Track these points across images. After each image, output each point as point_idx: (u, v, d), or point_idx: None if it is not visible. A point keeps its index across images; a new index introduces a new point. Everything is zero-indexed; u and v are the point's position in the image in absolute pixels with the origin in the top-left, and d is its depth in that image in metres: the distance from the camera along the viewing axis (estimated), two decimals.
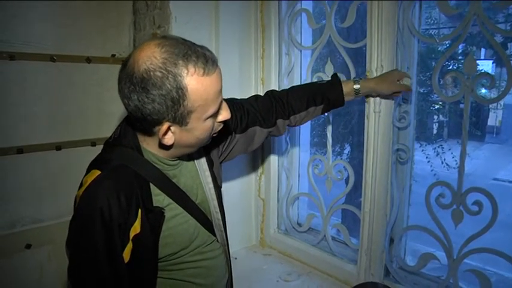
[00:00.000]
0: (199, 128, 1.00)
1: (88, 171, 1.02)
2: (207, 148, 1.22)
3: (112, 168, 1.00)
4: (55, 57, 1.78)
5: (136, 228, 0.99)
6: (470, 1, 1.26)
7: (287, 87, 1.91)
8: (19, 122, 1.73)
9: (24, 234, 1.78)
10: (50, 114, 1.82)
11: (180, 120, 0.95)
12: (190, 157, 1.19)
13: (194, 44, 0.96)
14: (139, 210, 0.99)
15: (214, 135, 1.10)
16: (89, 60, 1.89)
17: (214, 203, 1.22)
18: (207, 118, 0.99)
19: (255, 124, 1.39)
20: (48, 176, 1.83)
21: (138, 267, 1.03)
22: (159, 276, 1.10)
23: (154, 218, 1.03)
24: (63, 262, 1.88)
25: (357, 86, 1.42)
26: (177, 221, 1.09)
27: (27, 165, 1.77)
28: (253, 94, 1.98)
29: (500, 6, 1.37)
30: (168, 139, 0.99)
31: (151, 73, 0.89)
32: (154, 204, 1.04)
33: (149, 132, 1.00)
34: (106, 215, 0.93)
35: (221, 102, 1.03)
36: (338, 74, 1.48)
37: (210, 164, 1.23)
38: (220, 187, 1.30)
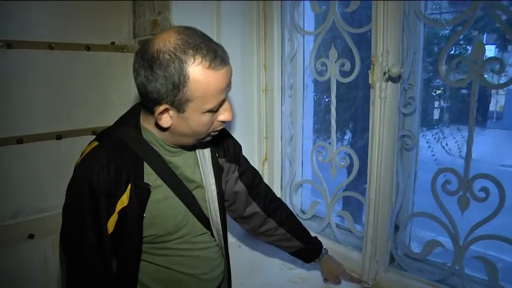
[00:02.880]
0: (195, 120, 1.02)
1: (91, 142, 1.08)
2: (215, 153, 1.25)
3: (109, 141, 1.06)
4: (53, 45, 1.75)
5: (123, 201, 1.02)
6: None
7: (290, 73, 1.90)
8: (18, 112, 1.70)
9: (27, 225, 1.77)
10: (49, 103, 1.79)
11: (178, 105, 0.98)
12: (194, 151, 1.20)
13: (211, 40, 0.99)
14: (129, 185, 1.03)
15: (214, 133, 1.11)
16: (88, 48, 1.86)
17: (215, 205, 1.23)
18: (205, 112, 1.01)
19: (255, 199, 1.42)
20: (50, 166, 1.81)
21: (122, 241, 1.06)
22: (143, 259, 1.13)
23: (141, 194, 1.06)
24: None
25: (321, 256, 1.56)
26: (166, 204, 1.11)
27: (28, 155, 1.75)
28: (255, 80, 1.98)
29: None
30: (165, 121, 1.01)
31: (161, 54, 0.93)
32: (144, 181, 1.07)
33: (150, 110, 1.03)
34: (94, 182, 0.98)
35: (224, 101, 1.04)
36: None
37: (218, 170, 1.26)
38: (224, 191, 1.32)
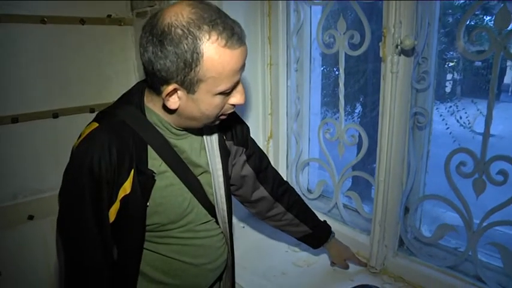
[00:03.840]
0: (206, 102, 0.94)
1: (90, 122, 1.00)
2: (222, 136, 1.18)
3: (111, 123, 0.98)
4: (46, 19, 1.67)
5: (126, 189, 0.96)
6: None
7: (296, 46, 1.79)
8: (11, 89, 1.64)
9: (26, 206, 1.75)
10: (44, 81, 1.72)
11: (188, 86, 0.91)
12: (200, 134, 1.13)
13: (227, 16, 0.91)
14: (132, 171, 0.95)
15: (223, 117, 1.04)
16: (82, 21, 1.77)
17: (221, 192, 1.17)
18: (217, 94, 0.93)
19: (263, 183, 1.38)
20: (47, 145, 1.77)
21: (124, 231, 1.00)
22: (145, 248, 1.07)
23: (145, 181, 0.99)
24: None
25: (329, 240, 1.53)
26: (171, 191, 1.05)
27: (24, 135, 1.70)
28: (259, 54, 1.88)
29: None
30: (172, 103, 0.94)
31: (173, 29, 0.85)
32: (148, 167, 1.00)
33: (156, 90, 0.96)
34: (95, 169, 0.91)
35: (237, 83, 0.97)
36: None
37: (225, 154, 1.18)
38: (230, 176, 1.25)
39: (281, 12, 1.78)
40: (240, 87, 0.98)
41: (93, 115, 1.79)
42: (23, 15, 1.61)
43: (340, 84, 1.63)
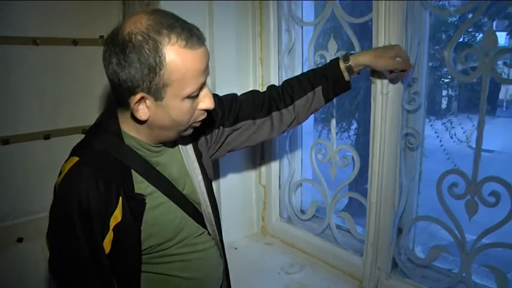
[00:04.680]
0: (175, 107, 0.93)
1: (68, 158, 0.98)
2: (194, 139, 1.16)
3: (91, 154, 0.97)
4: (38, 40, 1.66)
5: (117, 217, 0.95)
6: None
7: (287, 66, 1.80)
8: (3, 111, 1.63)
9: (16, 228, 1.71)
10: (36, 102, 1.71)
11: (155, 92, 0.90)
12: (175, 145, 1.12)
13: (185, 21, 0.92)
14: (120, 198, 0.94)
15: (196, 124, 1.03)
16: (75, 42, 1.77)
17: (204, 196, 1.16)
18: (185, 98, 0.93)
19: (247, 118, 1.29)
20: (38, 167, 1.74)
21: (121, 259, 0.98)
22: (144, 271, 1.05)
23: (136, 206, 0.98)
24: None
25: (346, 64, 1.25)
26: (161, 210, 1.04)
27: (15, 156, 1.68)
28: (251, 74, 1.88)
29: None
30: (142, 113, 0.93)
31: (133, 36, 0.86)
32: (136, 191, 0.98)
33: (125, 104, 0.94)
34: (84, 203, 0.89)
35: (203, 86, 0.97)
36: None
37: (199, 156, 1.17)
38: (211, 180, 1.22)
39: (272, 33, 1.80)
40: (206, 91, 0.98)
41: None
42: (15, 37, 1.61)
43: (332, 106, 1.63)
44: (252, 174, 1.98)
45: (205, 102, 0.98)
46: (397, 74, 1.30)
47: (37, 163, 1.74)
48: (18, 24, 1.62)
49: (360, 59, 1.26)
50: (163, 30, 0.86)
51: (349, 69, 1.26)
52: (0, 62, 1.60)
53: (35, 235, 1.72)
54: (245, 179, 1.97)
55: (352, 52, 1.34)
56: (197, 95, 0.96)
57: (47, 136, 1.75)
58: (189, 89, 0.92)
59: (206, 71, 0.95)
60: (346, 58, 1.26)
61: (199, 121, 1.03)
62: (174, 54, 0.87)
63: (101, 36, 1.84)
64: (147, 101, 0.92)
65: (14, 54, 1.62)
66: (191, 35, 0.89)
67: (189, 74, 0.90)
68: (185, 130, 1.02)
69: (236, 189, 1.92)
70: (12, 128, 1.67)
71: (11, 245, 1.70)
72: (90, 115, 1.83)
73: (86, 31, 1.80)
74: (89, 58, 1.81)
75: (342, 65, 1.26)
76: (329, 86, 1.28)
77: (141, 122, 0.96)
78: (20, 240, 1.72)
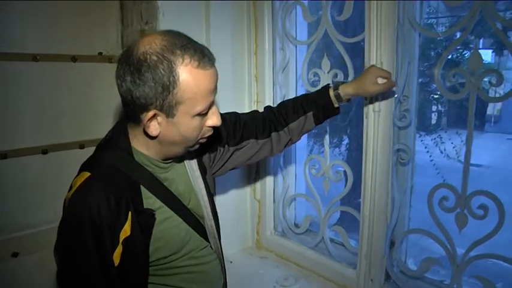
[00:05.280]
0: (185, 124, 0.98)
1: (78, 173, 1.01)
2: (199, 156, 1.21)
3: (102, 170, 1.00)
4: (38, 57, 1.69)
5: (126, 231, 0.97)
6: None
7: (281, 83, 1.85)
8: (1, 125, 1.64)
9: (11, 242, 1.71)
10: (35, 117, 1.73)
11: (167, 110, 0.94)
12: (182, 161, 1.17)
13: (196, 42, 0.97)
14: (130, 213, 0.97)
15: (202, 140, 1.08)
16: (74, 59, 1.80)
17: (207, 210, 1.20)
18: (195, 115, 0.97)
19: (250, 137, 1.35)
20: (35, 182, 1.75)
21: (129, 271, 1.00)
22: (151, 282, 1.07)
23: (145, 220, 1.01)
24: (54, 270, 1.81)
25: (336, 93, 1.32)
26: (168, 224, 1.07)
27: (12, 171, 1.69)
28: (246, 92, 1.93)
29: None
30: (153, 129, 0.97)
31: (148, 56, 0.90)
32: (144, 207, 1.02)
33: (136, 120, 0.98)
34: (95, 217, 0.92)
35: (212, 104, 1.01)
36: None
37: (203, 172, 1.22)
38: (213, 195, 1.27)
39: (267, 51, 1.85)
40: (214, 109, 1.03)
41: (83, 151, 1.83)
42: (16, 53, 1.64)
43: (325, 122, 1.67)
44: (247, 189, 2.01)
45: (213, 120, 1.03)
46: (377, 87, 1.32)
47: (35, 177, 1.74)
48: (19, 41, 1.65)
49: (347, 90, 1.33)
50: (177, 51, 0.91)
51: (338, 97, 1.33)
52: (0, 78, 1.62)
53: (31, 250, 1.73)
54: (240, 194, 2.00)
55: (343, 81, 1.44)
56: (206, 113, 1.00)
57: (44, 151, 1.76)
58: (200, 107, 0.96)
59: (215, 90, 1.00)
60: (336, 87, 1.34)
61: (206, 137, 1.07)
62: (187, 74, 0.91)
63: (100, 53, 1.88)
64: (158, 118, 0.96)
65: (14, 70, 1.65)
66: (203, 56, 0.94)
67: (200, 93, 0.95)
68: (192, 146, 1.06)
69: (231, 203, 1.95)
70: (11, 142, 1.68)
71: (6, 260, 1.70)
72: (88, 130, 1.87)
73: (85, 48, 1.84)
74: (88, 74, 1.84)
75: (332, 93, 1.33)
76: (319, 111, 1.36)
77: (151, 138, 1.00)
78: (15, 254, 1.72)
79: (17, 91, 1.67)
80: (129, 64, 0.91)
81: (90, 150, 1.10)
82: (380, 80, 1.29)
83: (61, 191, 1.03)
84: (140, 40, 0.94)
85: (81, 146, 1.84)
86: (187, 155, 1.16)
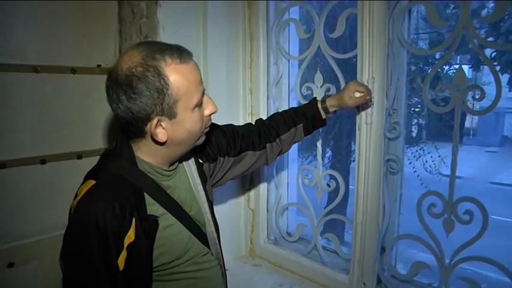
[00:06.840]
0: (189, 119, 1.04)
1: (84, 181, 1.05)
2: (199, 165, 1.27)
3: (107, 178, 1.04)
4: (38, 68, 1.73)
5: (130, 237, 1.00)
6: (460, 14, 1.28)
7: (275, 97, 1.93)
8: (1, 135, 1.67)
9: (7, 252, 1.71)
10: (33, 127, 1.75)
11: (168, 111, 1.00)
12: (183, 169, 1.22)
13: (170, 43, 1.04)
14: (134, 219, 1.01)
15: (206, 130, 1.14)
16: (73, 70, 1.84)
17: (208, 216, 1.25)
18: (194, 107, 1.04)
19: (248, 149, 1.44)
20: (33, 191, 1.77)
21: (133, 276, 1.03)
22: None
23: (149, 226, 1.05)
24: (50, 280, 1.81)
25: (323, 105, 1.46)
26: (170, 230, 1.11)
27: (11, 180, 1.70)
28: (241, 104, 1.99)
29: (487, 19, 1.41)
30: (161, 135, 1.02)
31: (134, 70, 0.95)
32: (148, 213, 1.05)
33: (142, 134, 1.04)
34: (101, 224, 0.95)
35: (203, 94, 1.08)
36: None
37: (204, 180, 1.27)
38: (212, 202, 1.32)
39: (262, 65, 1.93)
40: (207, 98, 1.10)
41: (81, 161, 1.86)
42: (17, 65, 1.67)
43: (317, 135, 1.75)
44: (241, 199, 2.07)
45: (209, 108, 1.11)
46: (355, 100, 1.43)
47: (33, 187, 1.76)
48: (20, 52, 1.69)
49: (332, 103, 1.46)
50: (156, 56, 0.97)
51: (325, 109, 1.47)
52: (0, 88, 1.65)
53: (27, 260, 1.73)
54: (234, 203, 2.05)
55: (329, 95, 1.57)
56: (201, 103, 1.07)
57: (43, 161, 1.78)
58: (196, 98, 1.04)
59: (202, 81, 1.07)
60: (323, 100, 1.48)
61: (208, 126, 1.14)
62: (174, 72, 0.98)
63: (98, 65, 1.92)
64: (162, 123, 1.02)
65: (15, 81, 1.68)
66: (181, 52, 1.01)
67: (192, 85, 1.02)
68: (199, 139, 1.13)
69: (226, 212, 1.99)
70: (10, 152, 1.70)
71: (1, 270, 1.70)
72: (86, 141, 1.90)
73: (84, 60, 1.88)
74: (86, 86, 1.88)
75: (319, 106, 1.47)
76: (309, 123, 1.49)
77: (161, 144, 1.05)
78: (11, 265, 1.72)
79: (17, 101, 1.70)
80: (119, 84, 0.96)
81: (87, 161, 1.13)
82: (357, 94, 1.41)
83: (59, 201, 1.05)
84: (119, 61, 0.99)
85: (79, 156, 1.87)
86: (189, 166, 1.23)
